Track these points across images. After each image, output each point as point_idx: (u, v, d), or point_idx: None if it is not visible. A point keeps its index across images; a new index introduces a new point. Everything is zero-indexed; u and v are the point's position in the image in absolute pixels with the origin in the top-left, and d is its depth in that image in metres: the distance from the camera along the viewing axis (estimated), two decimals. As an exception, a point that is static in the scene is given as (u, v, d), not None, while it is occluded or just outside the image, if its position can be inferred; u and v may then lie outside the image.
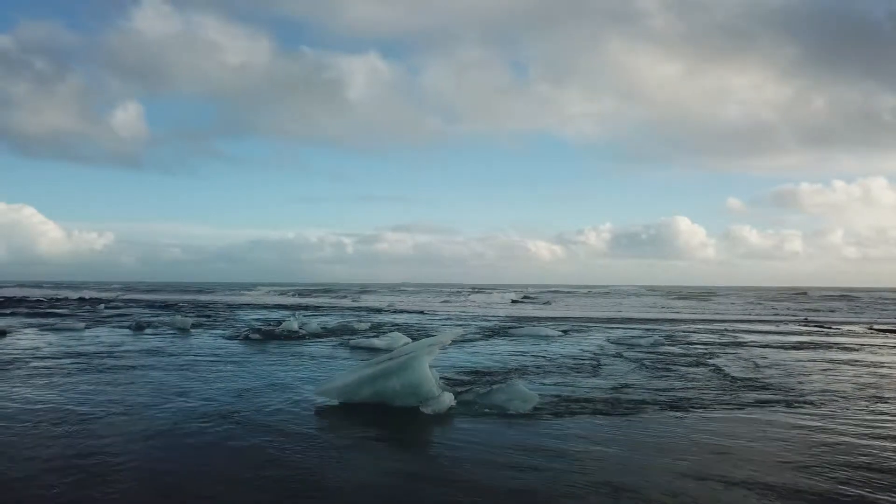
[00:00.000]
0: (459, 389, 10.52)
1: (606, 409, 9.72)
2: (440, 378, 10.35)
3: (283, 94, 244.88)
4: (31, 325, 25.51)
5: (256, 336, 20.67)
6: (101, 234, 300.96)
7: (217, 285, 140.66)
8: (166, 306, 45.35)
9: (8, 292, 71.05)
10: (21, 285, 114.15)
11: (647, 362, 15.30)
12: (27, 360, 15.16)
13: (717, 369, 14.25)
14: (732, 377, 13.10)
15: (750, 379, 12.85)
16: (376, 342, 18.02)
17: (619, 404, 10.10)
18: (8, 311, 34.70)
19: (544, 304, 57.37)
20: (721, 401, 10.49)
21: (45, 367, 13.84)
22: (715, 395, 11.07)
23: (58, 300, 52.60)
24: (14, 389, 11.16)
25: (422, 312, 40.23)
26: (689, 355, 16.84)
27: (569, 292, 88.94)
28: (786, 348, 19.26)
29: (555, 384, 11.94)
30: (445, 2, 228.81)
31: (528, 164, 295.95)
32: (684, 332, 25.28)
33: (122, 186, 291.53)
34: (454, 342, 17.95)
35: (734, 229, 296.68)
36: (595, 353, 17.20)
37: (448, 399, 9.19)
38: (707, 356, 16.70)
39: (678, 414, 9.48)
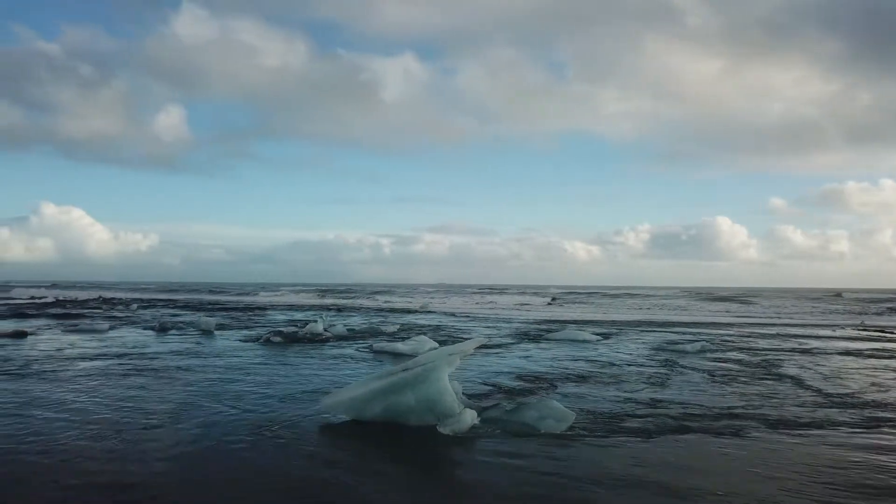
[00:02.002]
0: (484, 404, 9.30)
1: (667, 428, 8.40)
2: (462, 391, 9.15)
3: (319, 96, 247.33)
4: (54, 326, 25.18)
5: (278, 339, 19.77)
6: (146, 236, 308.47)
7: (248, 286, 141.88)
8: (198, 306, 45.15)
9: (37, 292, 72.26)
10: (55, 285, 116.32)
11: (704, 371, 13.91)
12: (44, 362, 14.60)
13: (797, 380, 12.70)
14: (819, 390, 11.54)
15: (844, 394, 11.22)
16: (400, 347, 16.92)
17: (684, 421, 8.79)
18: (36, 312, 34.64)
19: (580, 305, 55.64)
20: (829, 420, 9.02)
21: (57, 370, 13.25)
22: (806, 411, 9.61)
23: (90, 300, 52.96)
24: (27, 395, 10.52)
25: (453, 314, 39.06)
26: (752, 364, 15.28)
27: (606, 293, 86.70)
28: (859, 356, 17.51)
29: (596, 397, 10.62)
30: (479, 2, 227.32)
31: (565, 164, 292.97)
32: (734, 336, 23.53)
33: (165, 189, 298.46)
34: (482, 348, 16.74)
35: (778, 230, 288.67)
36: (640, 360, 15.78)
37: (470, 417, 7.99)
38: (772, 365, 15.09)
39: (785, 435, 8.06)
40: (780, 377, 13.19)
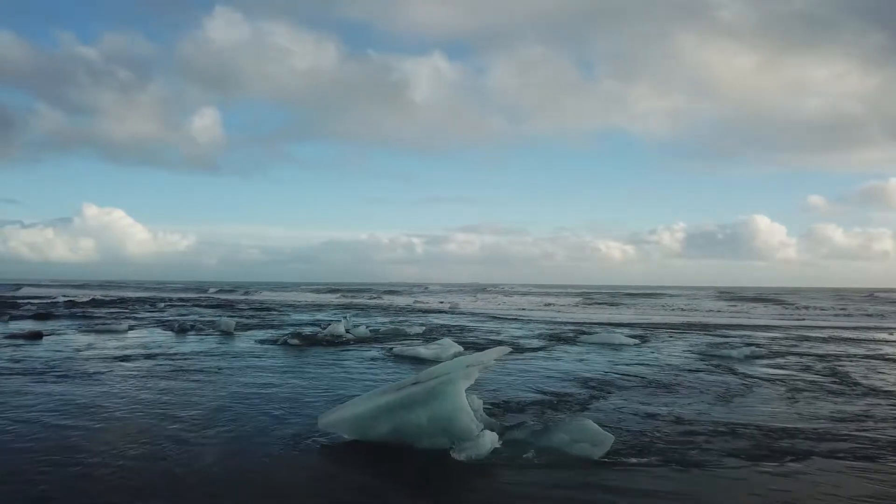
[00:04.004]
0: (507, 422, 8.15)
1: (753, 452, 7.14)
2: (482, 406, 8.01)
3: (350, 97, 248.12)
4: (72, 327, 24.74)
5: (295, 341, 18.89)
6: (184, 236, 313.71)
7: (282, 285, 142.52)
8: (223, 305, 44.83)
9: (63, 292, 72.89)
10: (84, 285, 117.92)
11: (768, 380, 12.51)
12: (54, 365, 14.08)
13: (887, 394, 11.13)
14: None
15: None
16: (422, 351, 15.82)
17: (774, 442, 7.53)
18: (57, 312, 34.29)
19: (612, 307, 53.94)
20: None
21: (66, 375, 12.66)
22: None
23: (115, 300, 52.90)
24: (47, 400, 9.99)
25: (482, 315, 37.87)
26: (819, 371, 13.77)
27: (641, 294, 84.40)
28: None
29: (641, 413, 9.33)
30: (508, 0, 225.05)
31: (597, 162, 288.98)
32: (783, 339, 21.83)
33: (202, 190, 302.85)
34: (513, 352, 15.58)
35: (817, 228, 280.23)
36: (688, 367, 14.41)
37: (489, 440, 6.85)
38: (844, 374, 13.50)
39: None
40: (867, 390, 11.58)
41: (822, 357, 16.62)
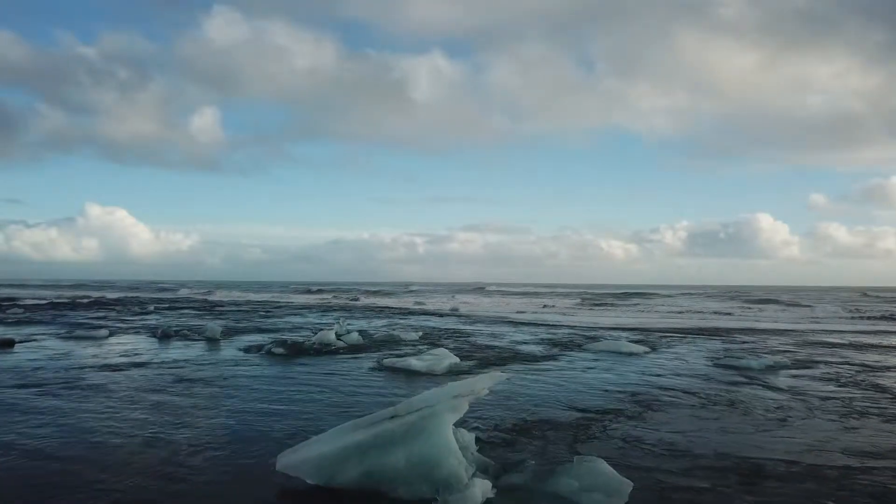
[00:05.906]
0: (503, 458, 6.87)
1: (827, 497, 5.95)
2: (475, 441, 6.73)
3: (350, 96, 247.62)
4: (49, 333, 23.47)
5: (280, 350, 17.58)
6: (187, 236, 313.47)
7: (284, 284, 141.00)
8: (213, 308, 43.54)
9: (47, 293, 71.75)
10: (75, 285, 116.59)
11: (810, 396, 11.20)
12: (30, 374, 13.38)
13: None
14: None
15: None
16: (414, 363, 14.53)
17: (840, 483, 6.38)
18: (43, 317, 32.97)
19: (614, 308, 52.67)
20: None
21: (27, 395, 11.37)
22: None
23: (100, 301, 51.41)
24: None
25: (483, 318, 36.60)
26: (866, 387, 12.42)
27: (643, 294, 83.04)
28: None
29: (662, 443, 7.98)
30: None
31: (600, 161, 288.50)
32: (800, 344, 20.47)
33: (203, 189, 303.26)
34: (517, 362, 14.34)
35: (820, 227, 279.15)
36: (708, 379, 13.18)
37: (480, 491, 5.59)
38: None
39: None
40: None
41: (858, 368, 15.25)
